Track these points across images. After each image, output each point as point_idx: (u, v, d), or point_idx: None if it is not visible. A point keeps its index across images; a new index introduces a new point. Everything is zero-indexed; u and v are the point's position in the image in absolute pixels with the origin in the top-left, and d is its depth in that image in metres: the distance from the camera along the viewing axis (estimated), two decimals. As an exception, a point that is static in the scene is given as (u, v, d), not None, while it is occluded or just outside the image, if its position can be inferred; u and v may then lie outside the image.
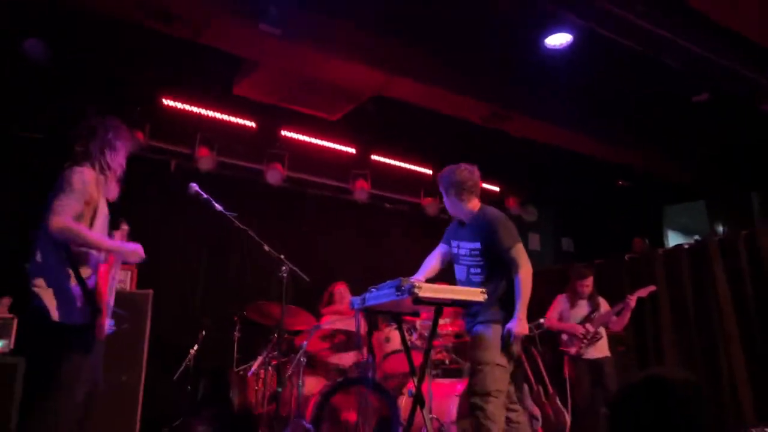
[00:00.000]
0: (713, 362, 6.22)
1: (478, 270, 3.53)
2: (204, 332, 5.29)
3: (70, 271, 2.73)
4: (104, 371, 4.33)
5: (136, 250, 2.96)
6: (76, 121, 5.63)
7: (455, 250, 3.66)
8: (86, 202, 2.80)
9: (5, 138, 5.37)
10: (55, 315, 2.69)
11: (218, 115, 6.26)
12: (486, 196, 8.08)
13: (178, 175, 6.19)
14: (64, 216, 2.68)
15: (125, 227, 3.11)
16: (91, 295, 2.72)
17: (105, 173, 2.96)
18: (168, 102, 6.01)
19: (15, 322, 4.31)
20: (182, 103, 6.07)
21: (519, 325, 3.30)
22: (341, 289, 5.67)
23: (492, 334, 3.35)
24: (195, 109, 6.13)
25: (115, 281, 2.93)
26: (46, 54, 4.96)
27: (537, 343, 5.70)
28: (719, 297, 6.27)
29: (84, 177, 2.81)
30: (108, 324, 2.79)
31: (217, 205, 3.82)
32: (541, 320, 4.42)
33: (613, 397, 1.48)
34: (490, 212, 3.60)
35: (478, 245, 3.53)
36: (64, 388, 2.67)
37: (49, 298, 2.71)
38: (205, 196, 3.80)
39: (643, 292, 5.60)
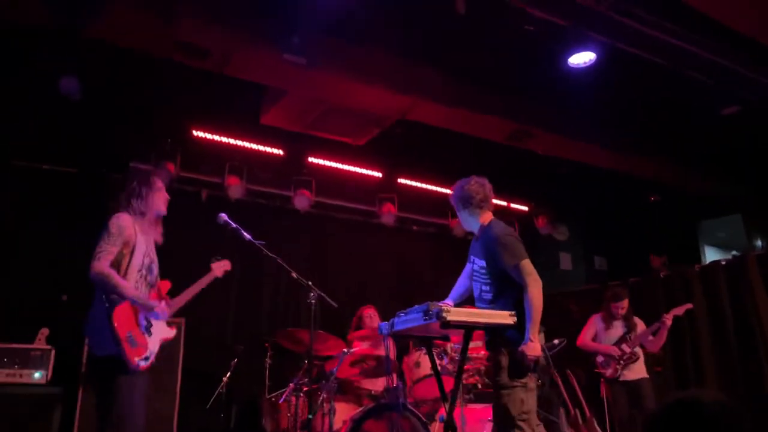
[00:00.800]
0: (756, 380, 6.01)
1: (487, 288, 3.45)
2: (236, 360, 5.32)
3: (105, 309, 3.04)
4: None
5: (150, 309, 3.21)
6: (110, 156, 5.84)
7: (471, 266, 3.61)
8: (124, 244, 3.16)
9: (41, 173, 5.54)
10: (96, 350, 3.09)
11: (246, 144, 6.37)
12: (515, 216, 8.11)
13: (210, 204, 6.30)
14: (102, 261, 3.05)
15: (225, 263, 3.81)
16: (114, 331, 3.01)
17: (140, 218, 3.31)
18: (198, 133, 6.14)
19: (53, 353, 4.40)
20: (211, 133, 6.20)
21: (530, 347, 3.16)
22: (370, 313, 5.66)
23: (509, 356, 3.26)
24: (224, 139, 6.25)
25: (148, 324, 3.23)
26: (81, 90, 5.14)
27: (551, 364, 5.57)
28: (759, 313, 6.08)
29: (120, 222, 3.19)
30: (135, 360, 3.05)
31: (245, 234, 3.87)
32: (556, 341, 4.32)
33: (645, 422, 1.45)
34: (493, 228, 3.50)
35: (484, 263, 3.47)
36: (118, 415, 2.99)
37: (94, 335, 3.10)
38: (234, 225, 3.86)
39: (680, 311, 5.47)
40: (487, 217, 3.61)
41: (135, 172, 3.55)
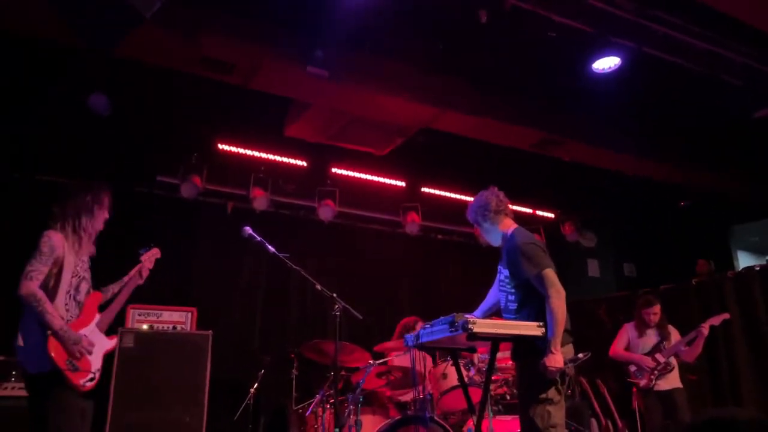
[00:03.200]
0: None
1: (513, 297, 3.38)
2: (263, 371, 5.34)
3: (38, 326, 2.99)
4: (167, 411, 4.48)
5: (76, 343, 3.03)
6: (138, 170, 5.94)
7: (499, 276, 3.55)
8: (53, 263, 3.07)
9: (66, 187, 5.64)
10: (30, 368, 3.00)
11: (271, 156, 6.43)
12: (542, 223, 8.02)
13: (235, 216, 6.36)
14: (33, 282, 2.98)
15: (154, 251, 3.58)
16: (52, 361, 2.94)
17: (79, 234, 3.21)
18: (223, 146, 6.22)
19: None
20: (236, 146, 6.27)
21: (552, 359, 3.06)
22: (416, 323, 5.57)
23: (533, 368, 3.17)
24: (249, 152, 6.32)
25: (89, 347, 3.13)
26: (109, 107, 5.24)
27: (572, 379, 5.49)
28: (797, 320, 5.91)
29: (51, 241, 3.08)
30: (80, 382, 3.02)
31: (270, 247, 3.89)
32: (580, 355, 4.23)
33: None
34: (516, 237, 3.42)
35: (508, 272, 3.40)
36: (54, 424, 2.92)
37: (25, 352, 3.01)
38: (258, 238, 3.88)
39: (717, 320, 5.33)
40: (509, 224, 3.55)
41: (84, 186, 3.34)
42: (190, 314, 5.38)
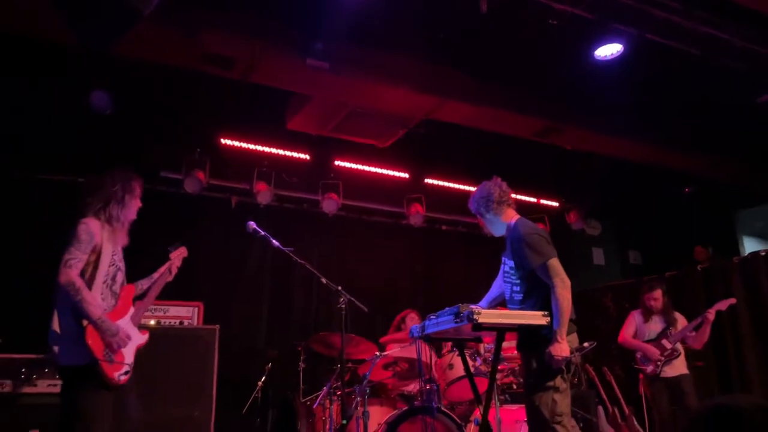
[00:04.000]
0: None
1: (518, 288, 3.39)
2: (270, 365, 5.37)
3: (73, 317, 2.95)
4: (175, 406, 4.51)
5: (113, 335, 2.99)
6: (142, 167, 5.95)
7: (503, 267, 3.56)
8: (92, 251, 3.04)
9: (71, 185, 5.66)
10: (64, 358, 2.98)
11: (274, 150, 6.43)
12: (546, 212, 8.00)
13: (239, 210, 6.38)
14: (73, 270, 2.94)
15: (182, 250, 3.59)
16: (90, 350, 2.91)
17: (112, 224, 3.18)
18: (226, 141, 6.22)
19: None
20: (239, 141, 6.27)
21: (558, 347, 3.08)
22: (412, 316, 5.63)
23: (538, 358, 3.19)
24: (251, 146, 6.32)
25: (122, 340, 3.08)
26: (110, 104, 5.24)
27: (577, 367, 5.50)
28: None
29: (88, 228, 3.05)
30: (115, 375, 2.99)
31: (274, 241, 3.90)
32: (586, 344, 4.23)
33: (684, 428, 1.40)
34: (520, 227, 3.42)
35: (513, 263, 3.40)
36: (83, 424, 2.88)
37: (61, 343, 2.99)
38: (263, 233, 3.89)
39: (723, 305, 5.31)
40: (512, 215, 3.54)
41: (116, 175, 3.31)
42: (196, 309, 5.41)
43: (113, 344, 2.99)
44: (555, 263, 3.23)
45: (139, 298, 3.38)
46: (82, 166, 5.75)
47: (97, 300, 3.00)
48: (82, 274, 2.99)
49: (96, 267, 3.05)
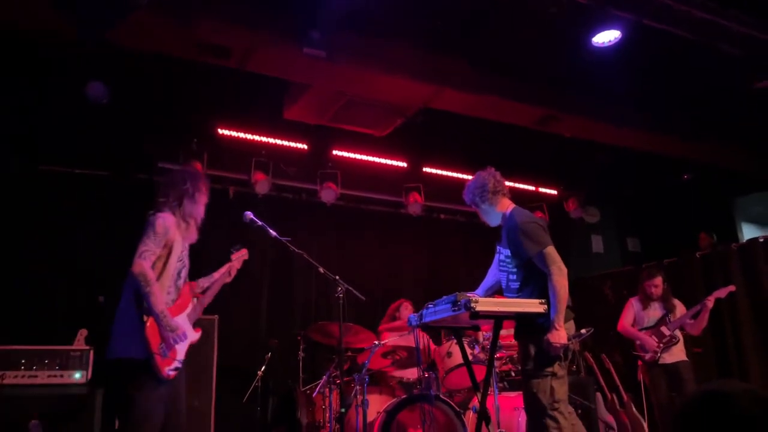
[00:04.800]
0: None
1: (514, 277, 3.40)
2: (270, 354, 5.39)
3: (136, 311, 3.00)
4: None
5: (172, 331, 3.03)
6: (139, 158, 5.94)
7: (498, 256, 3.56)
8: (165, 245, 3.12)
9: (73, 177, 5.66)
10: (119, 350, 3.00)
11: (271, 140, 6.41)
12: (545, 200, 8.00)
13: (237, 200, 6.37)
14: (147, 261, 3.01)
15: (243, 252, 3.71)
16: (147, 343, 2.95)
17: (186, 220, 3.27)
18: (223, 131, 6.20)
19: (91, 353, 4.50)
20: (236, 131, 6.25)
21: (555, 335, 3.11)
22: (406, 306, 5.66)
23: (536, 345, 3.21)
24: (249, 136, 6.30)
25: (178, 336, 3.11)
26: (107, 94, 5.22)
27: (576, 354, 5.53)
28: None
29: (165, 222, 3.14)
30: (165, 370, 3.02)
31: (271, 231, 3.90)
32: (583, 330, 4.24)
33: (676, 414, 1.41)
34: (516, 216, 3.43)
35: (509, 251, 3.42)
36: (136, 417, 2.93)
37: (117, 335, 3.03)
38: (260, 223, 3.89)
39: (722, 293, 5.31)
40: (507, 204, 3.55)
41: (186, 172, 3.46)
42: (195, 299, 5.41)
43: (170, 339, 3.03)
44: (551, 251, 3.24)
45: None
46: (79, 157, 5.75)
47: (162, 295, 3.06)
48: (153, 267, 3.05)
49: (166, 261, 3.12)
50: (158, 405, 2.99)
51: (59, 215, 5.52)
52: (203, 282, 3.52)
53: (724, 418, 1.30)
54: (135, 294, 3.02)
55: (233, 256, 3.69)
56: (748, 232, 8.84)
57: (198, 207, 3.33)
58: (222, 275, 3.59)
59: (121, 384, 2.99)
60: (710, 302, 5.23)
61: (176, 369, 3.11)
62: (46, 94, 5.21)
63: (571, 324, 3.31)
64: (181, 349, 3.16)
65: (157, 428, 2.98)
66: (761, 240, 6.49)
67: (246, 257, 3.77)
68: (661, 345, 5.24)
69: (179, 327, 3.09)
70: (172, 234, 3.13)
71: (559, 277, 3.18)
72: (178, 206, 3.24)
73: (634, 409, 6.00)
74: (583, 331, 3.96)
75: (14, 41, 4.60)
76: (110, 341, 3.02)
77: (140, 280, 2.96)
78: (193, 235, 3.33)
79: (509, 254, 3.41)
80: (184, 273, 3.28)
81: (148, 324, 2.96)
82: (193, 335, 3.32)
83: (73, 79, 5.09)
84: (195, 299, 3.42)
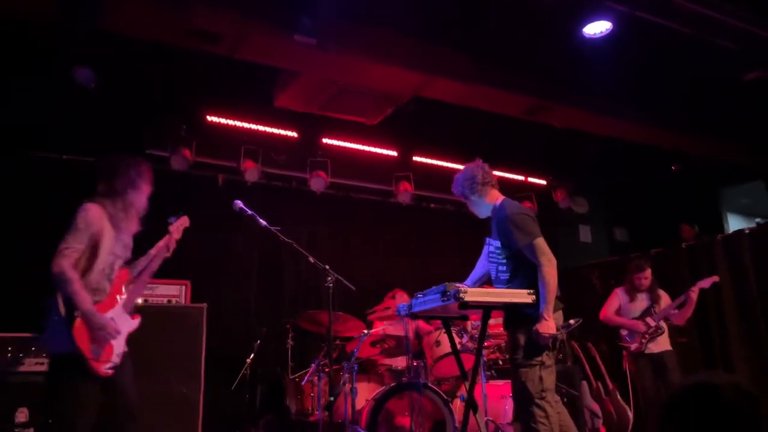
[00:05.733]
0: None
1: (503, 268, 3.43)
2: (259, 342, 5.39)
3: (63, 309, 2.90)
4: (164, 385, 4.53)
5: (101, 329, 2.92)
6: (128, 144, 5.88)
7: (488, 248, 3.59)
8: (90, 239, 2.96)
9: (56, 162, 5.59)
10: (51, 346, 2.97)
11: (261, 128, 6.37)
12: (533, 190, 8.03)
13: (227, 188, 6.34)
14: (66, 260, 2.87)
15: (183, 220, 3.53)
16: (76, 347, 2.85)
17: (128, 211, 3.12)
18: (212, 118, 6.15)
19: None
20: (226, 118, 6.20)
21: (545, 325, 3.14)
22: (400, 295, 5.65)
23: (526, 335, 3.25)
24: (238, 123, 6.26)
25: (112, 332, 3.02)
26: (95, 80, 5.16)
27: (563, 344, 5.58)
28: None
29: (88, 216, 2.98)
30: (102, 368, 2.94)
31: (261, 220, 3.89)
32: (572, 321, 4.28)
33: (662, 406, 1.44)
34: (506, 207, 3.46)
35: (499, 243, 3.44)
36: (68, 414, 2.87)
37: (50, 330, 2.95)
38: (250, 212, 3.87)
39: (706, 283, 5.37)
40: (496, 196, 3.58)
41: (129, 160, 3.25)
42: (184, 287, 5.41)
43: (100, 338, 2.93)
44: (541, 242, 3.28)
45: (136, 278, 3.31)
46: (66, 143, 5.69)
47: (87, 292, 2.93)
48: (77, 263, 2.93)
49: (94, 255, 2.98)
50: (92, 401, 2.91)
51: (46, 201, 5.46)
52: (141, 262, 3.34)
53: (710, 409, 1.32)
54: (61, 299, 2.91)
55: (171, 227, 3.46)
56: (734, 223, 8.95)
57: (141, 196, 3.20)
58: (159, 250, 3.38)
59: (53, 379, 2.92)
60: (694, 293, 5.29)
61: (113, 367, 3.00)
62: (31, 78, 5.13)
63: (560, 314, 3.35)
64: (117, 344, 3.05)
65: (89, 425, 2.91)
66: (747, 231, 6.56)
67: (187, 224, 3.56)
68: (647, 335, 5.30)
69: (108, 324, 2.95)
70: (97, 227, 2.97)
71: (549, 268, 3.22)
72: (120, 196, 3.11)
73: (619, 397, 6.08)
74: (571, 321, 4.00)
75: (2, 25, 4.52)
76: (44, 340, 2.96)
77: (60, 279, 2.85)
78: (134, 226, 3.19)
79: (499, 245, 3.43)
80: (118, 264, 3.14)
81: (76, 324, 2.86)
82: (130, 324, 3.20)
83: (59, 64, 5.03)
84: (129, 286, 3.26)
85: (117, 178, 3.14)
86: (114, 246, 3.07)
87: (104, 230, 3.01)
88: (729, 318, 6.40)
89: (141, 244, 3.56)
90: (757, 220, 7.80)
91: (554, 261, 3.26)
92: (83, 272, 2.95)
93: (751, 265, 6.32)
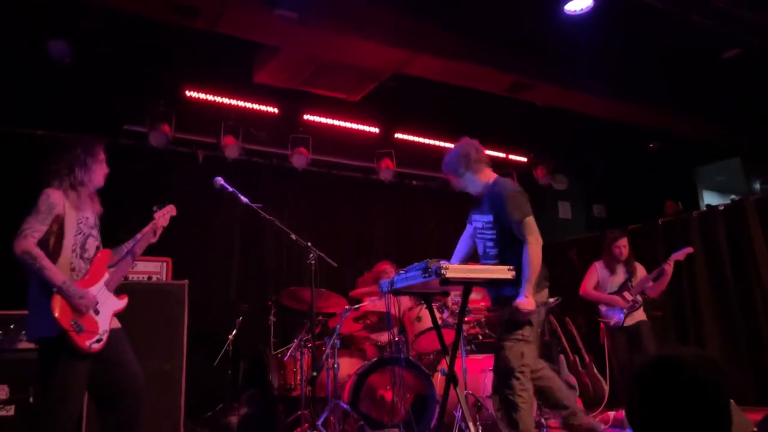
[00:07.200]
0: (753, 325, 6.12)
1: (492, 243, 3.50)
2: (241, 318, 5.41)
3: (40, 290, 2.91)
4: (146, 361, 4.52)
5: (82, 298, 2.93)
6: (105, 120, 5.78)
7: (475, 224, 3.65)
8: (53, 221, 2.98)
9: (30, 138, 5.49)
10: (34, 331, 2.97)
11: (241, 104, 6.31)
12: (514, 168, 8.09)
13: (207, 164, 6.29)
14: (29, 240, 2.88)
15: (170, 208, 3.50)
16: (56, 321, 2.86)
17: (77, 189, 3.10)
18: (191, 94, 6.07)
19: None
20: (205, 93, 6.13)
21: (525, 301, 3.22)
22: (387, 269, 5.64)
23: (509, 311, 3.32)
24: (218, 99, 6.19)
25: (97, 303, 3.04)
26: (70, 53, 5.05)
27: (543, 320, 5.69)
28: (757, 258, 6.14)
29: (50, 199, 2.99)
30: (87, 344, 2.93)
31: (242, 197, 3.88)
32: (551, 300, 4.35)
33: (630, 380, 1.50)
34: (501, 184, 3.54)
35: (490, 218, 3.50)
36: (53, 394, 2.89)
37: (30, 316, 2.98)
38: (231, 189, 3.86)
39: (680, 255, 5.43)
40: (489, 174, 3.63)
41: (77, 140, 3.24)
42: (164, 264, 5.38)
43: (81, 307, 2.92)
44: (532, 222, 3.36)
45: (121, 260, 3.30)
46: (41, 118, 5.58)
47: (63, 270, 2.94)
48: (46, 245, 2.94)
49: (60, 236, 2.99)
50: (79, 382, 2.93)
51: (22, 178, 5.37)
52: (127, 245, 3.36)
53: (676, 380, 1.38)
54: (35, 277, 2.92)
55: (156, 215, 3.46)
56: (710, 200, 9.11)
57: (93, 175, 3.17)
58: (145, 236, 3.39)
59: (41, 363, 2.92)
60: (669, 265, 5.35)
61: (100, 341, 2.99)
62: (5, 52, 5.01)
63: (546, 293, 3.44)
64: (102, 320, 3.05)
65: (75, 408, 2.95)
66: (721, 208, 6.69)
67: (173, 213, 3.56)
68: (626, 310, 5.35)
69: (88, 293, 2.97)
70: (58, 209, 2.99)
71: (536, 246, 3.30)
72: (66, 175, 3.09)
73: (595, 370, 6.21)
74: (551, 300, 4.06)
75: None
76: (27, 325, 2.98)
77: (26, 260, 2.85)
78: (94, 205, 3.19)
79: (490, 220, 3.50)
80: (92, 243, 3.14)
81: (53, 300, 2.86)
82: (116, 303, 3.19)
83: (33, 35, 4.91)
84: (112, 267, 3.25)
85: (63, 159, 3.13)
86: (78, 225, 3.07)
87: (67, 212, 3.03)
88: (702, 294, 6.55)
89: (124, 226, 3.55)
90: (732, 197, 7.94)
91: (541, 241, 3.34)
92: (54, 253, 2.96)
93: (724, 242, 6.46)
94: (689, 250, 5.49)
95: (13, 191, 5.27)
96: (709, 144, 8.22)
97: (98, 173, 3.22)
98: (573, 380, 6.09)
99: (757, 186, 8.83)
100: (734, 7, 5.00)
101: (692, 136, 7.83)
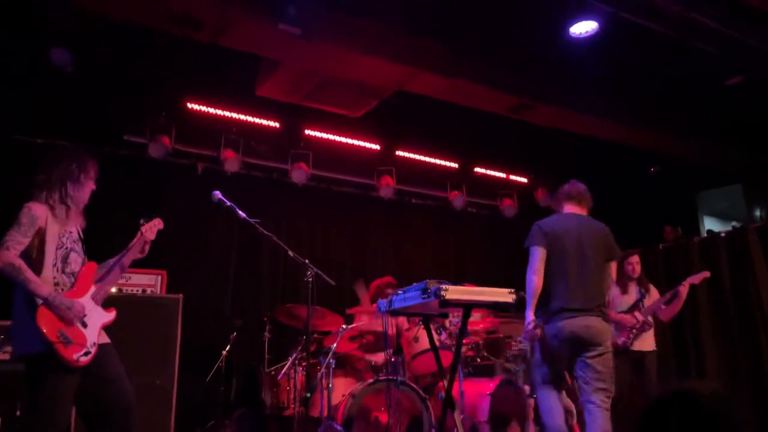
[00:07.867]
0: (755, 353, 6.05)
1: None
2: (235, 334, 5.33)
3: (25, 304, 2.86)
4: (138, 375, 4.45)
5: (70, 309, 2.87)
6: (105, 129, 5.75)
7: None
8: (35, 234, 2.94)
9: (32, 146, 5.46)
10: (20, 347, 2.92)
11: (242, 117, 6.28)
12: (515, 188, 8.05)
13: (206, 177, 6.24)
14: (11, 251, 2.83)
15: (156, 222, 3.39)
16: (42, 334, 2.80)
17: (66, 203, 3.06)
18: (192, 106, 6.05)
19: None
20: (206, 106, 6.11)
21: (524, 326, 3.59)
22: (390, 281, 5.51)
23: None
24: (219, 112, 6.16)
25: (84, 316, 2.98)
26: (73, 62, 5.04)
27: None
28: (759, 286, 6.08)
29: (32, 212, 2.95)
30: (73, 357, 2.86)
31: (240, 212, 3.83)
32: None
33: (641, 414, 1.43)
34: None
35: None
36: (40, 408, 2.83)
37: (16, 330, 2.95)
38: (228, 203, 3.81)
39: (696, 279, 5.26)
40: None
41: (70, 152, 3.20)
42: (159, 277, 5.32)
43: (68, 317, 2.86)
44: (533, 252, 3.72)
45: (107, 273, 3.24)
46: (41, 127, 5.55)
47: (46, 283, 2.89)
48: (28, 258, 2.89)
49: (42, 250, 2.94)
50: (65, 397, 2.86)
51: (20, 185, 5.32)
52: (114, 259, 3.30)
53: (691, 417, 1.32)
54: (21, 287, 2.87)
55: (143, 228, 3.37)
56: (710, 226, 9.05)
57: (82, 191, 3.12)
58: (131, 249, 3.32)
59: (28, 379, 2.85)
60: (685, 288, 5.16)
61: (88, 354, 2.92)
62: (5, 59, 4.98)
63: (568, 323, 3.61)
64: (90, 333, 2.97)
65: (63, 421, 2.89)
66: (722, 235, 6.64)
67: (161, 227, 3.46)
68: (635, 330, 5.19)
69: (75, 303, 2.91)
70: (40, 222, 2.94)
71: (530, 274, 3.67)
72: (58, 188, 3.04)
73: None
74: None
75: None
76: (12, 339, 2.94)
77: (9, 271, 2.80)
78: (78, 219, 3.15)
79: None
80: (75, 258, 3.07)
81: (39, 312, 2.80)
82: (104, 316, 3.12)
83: (35, 45, 4.89)
84: (99, 281, 3.19)
85: (56, 171, 3.08)
86: (60, 239, 3.02)
87: (49, 225, 2.98)
88: (703, 321, 6.48)
89: (113, 238, 3.49)
90: (733, 223, 7.89)
91: (535, 269, 3.67)
92: (37, 267, 2.91)
93: (726, 269, 6.40)
94: (706, 274, 5.31)
95: (11, 199, 5.22)
96: (712, 169, 8.19)
97: (87, 190, 3.17)
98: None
99: (758, 214, 8.79)
100: (735, 32, 4.98)
101: (694, 160, 7.80)
